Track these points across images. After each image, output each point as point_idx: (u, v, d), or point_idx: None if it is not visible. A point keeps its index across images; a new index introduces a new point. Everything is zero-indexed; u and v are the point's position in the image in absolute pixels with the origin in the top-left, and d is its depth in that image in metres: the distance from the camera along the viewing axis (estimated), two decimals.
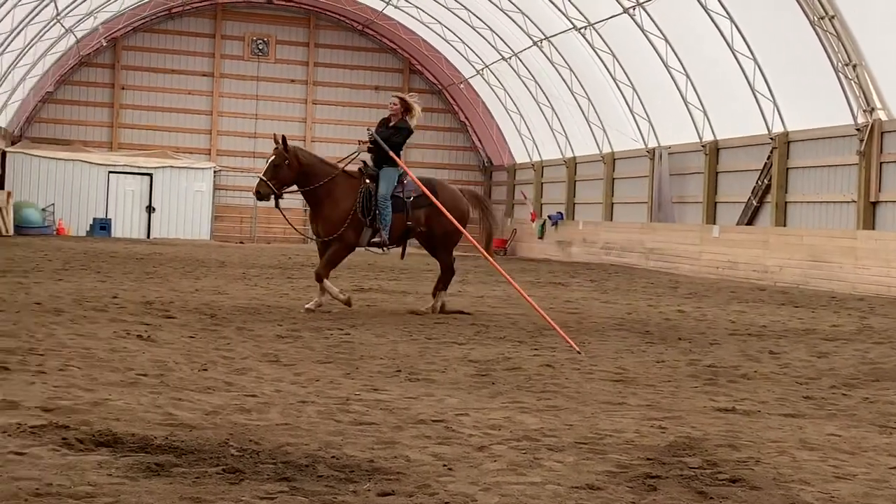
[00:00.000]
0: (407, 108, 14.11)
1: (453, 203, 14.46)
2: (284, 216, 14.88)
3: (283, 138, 13.92)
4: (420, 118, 14.24)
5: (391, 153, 13.87)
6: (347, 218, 13.75)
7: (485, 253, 14.52)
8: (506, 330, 12.33)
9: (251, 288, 17.18)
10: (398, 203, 14.00)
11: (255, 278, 19.66)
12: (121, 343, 9.56)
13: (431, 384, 8.20)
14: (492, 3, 35.85)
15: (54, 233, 39.54)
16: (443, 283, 14.58)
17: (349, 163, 14.40)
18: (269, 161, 13.79)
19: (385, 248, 14.34)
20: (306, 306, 13.65)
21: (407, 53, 45.98)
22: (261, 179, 13.72)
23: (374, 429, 6.25)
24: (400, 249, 14.84)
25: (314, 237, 14.27)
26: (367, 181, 13.92)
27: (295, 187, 13.95)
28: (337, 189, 13.83)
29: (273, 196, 13.72)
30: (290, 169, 13.73)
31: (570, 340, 10.87)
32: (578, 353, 10.35)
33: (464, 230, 14.29)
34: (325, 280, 13.74)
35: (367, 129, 14.16)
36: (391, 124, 14.10)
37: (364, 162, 14.23)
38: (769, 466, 5.62)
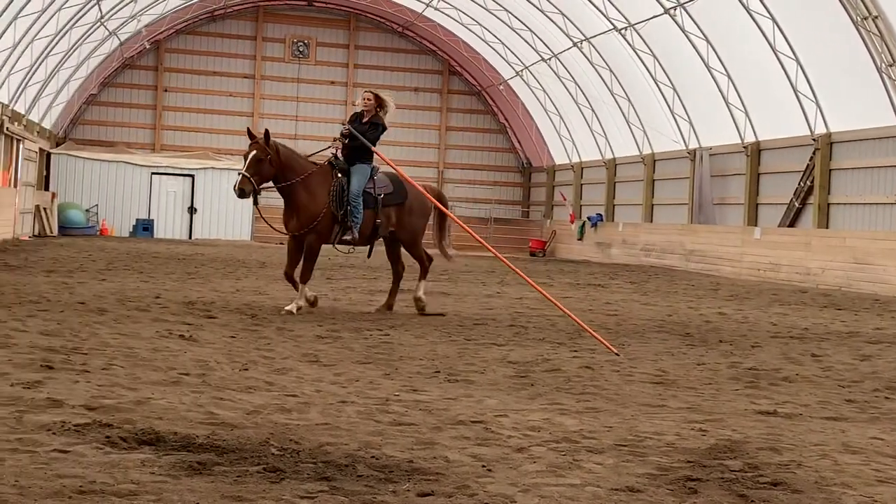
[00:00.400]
0: (380, 104, 13.56)
1: (420, 200, 14.13)
2: (261, 215, 14.39)
3: (266, 132, 13.38)
4: (393, 113, 13.67)
5: (374, 149, 13.45)
6: (321, 212, 13.31)
7: (444, 251, 14.63)
8: (545, 331, 12.31)
9: (291, 289, 17.24)
10: (368, 200, 13.56)
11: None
12: (163, 342, 9.64)
13: (470, 385, 8.20)
14: (532, 4, 35.80)
15: (98, 233, 39.91)
16: (423, 273, 14.50)
17: (318, 157, 13.99)
18: (251, 156, 13.15)
19: (352, 248, 13.93)
20: (286, 308, 13.18)
21: (446, 55, 46.03)
22: (243, 176, 13.05)
23: (413, 429, 6.26)
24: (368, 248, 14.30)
25: (285, 233, 13.74)
26: (339, 175, 13.45)
27: (270, 183, 13.40)
28: (313, 183, 13.36)
29: (253, 193, 13.12)
30: (271, 164, 13.17)
31: (595, 335, 10.83)
32: (617, 354, 10.30)
33: (470, 230, 14.27)
34: (304, 285, 13.35)
35: (343, 124, 13.66)
36: (365, 120, 13.55)
37: (335, 155, 13.66)
38: (811, 470, 5.58)
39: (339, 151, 13.56)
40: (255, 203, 13.49)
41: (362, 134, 13.37)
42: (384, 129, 13.65)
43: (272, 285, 17.81)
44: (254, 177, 13.04)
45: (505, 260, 13.75)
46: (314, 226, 13.34)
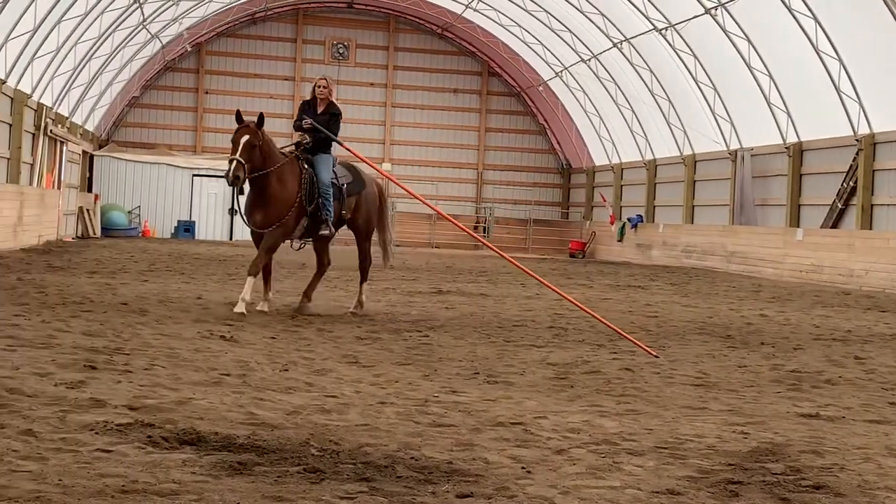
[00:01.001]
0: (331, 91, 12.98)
1: (373, 190, 13.86)
2: (240, 210, 13.33)
3: (261, 116, 12.55)
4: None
5: (339, 141, 12.98)
6: (293, 205, 12.67)
7: (387, 249, 14.16)
8: (584, 333, 12.27)
9: (330, 290, 17.32)
10: (334, 191, 13.03)
11: (334, 280, 19.80)
12: (204, 343, 9.70)
13: (510, 387, 8.19)
14: (571, 4, 35.72)
15: (140, 235, 40.25)
16: (363, 273, 13.88)
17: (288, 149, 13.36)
18: (245, 140, 12.23)
19: (303, 244, 13.39)
20: (258, 308, 12.72)
21: (486, 56, 46.03)
22: (238, 162, 12.12)
23: (452, 430, 6.26)
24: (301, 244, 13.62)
25: (251, 227, 12.96)
26: (307, 167, 12.88)
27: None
28: (286, 174, 12.68)
29: (241, 182, 12.33)
30: (260, 151, 12.41)
31: (623, 333, 10.78)
32: (656, 356, 10.26)
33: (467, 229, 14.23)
34: (253, 277, 12.59)
35: (302, 118, 12.89)
36: (321, 110, 12.93)
37: (298, 144, 13.08)
38: (854, 473, 5.52)
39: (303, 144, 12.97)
40: (242, 193, 12.76)
41: (324, 125, 12.80)
42: (341, 117, 13.17)
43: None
44: (246, 164, 12.23)
45: (512, 260, 13.70)
46: (284, 220, 12.72)
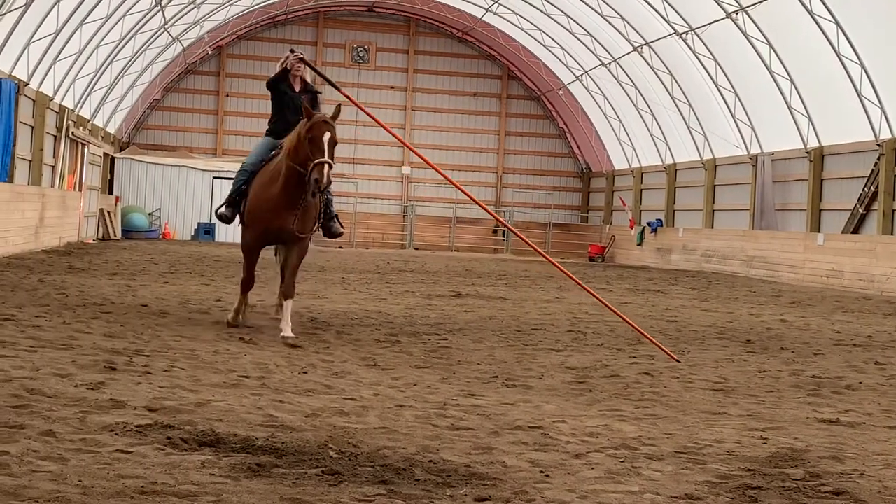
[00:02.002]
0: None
1: None
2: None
3: (338, 107, 10.86)
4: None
5: (366, 111, 11.88)
6: (321, 204, 11.28)
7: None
8: (603, 337, 12.25)
9: (350, 293, 17.34)
10: None
11: (353, 283, 19.83)
12: (224, 345, 9.73)
13: (528, 390, 8.19)
14: (592, 8, 35.68)
15: (160, 237, 40.41)
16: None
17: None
18: (329, 138, 10.36)
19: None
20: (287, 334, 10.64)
21: (506, 60, 46.02)
22: (330, 165, 10.27)
23: (471, 434, 6.26)
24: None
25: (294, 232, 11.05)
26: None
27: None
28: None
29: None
30: None
31: (649, 336, 10.76)
32: (677, 361, 10.23)
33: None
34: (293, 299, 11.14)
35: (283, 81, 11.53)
36: (300, 89, 11.50)
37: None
38: (874, 479, 5.50)
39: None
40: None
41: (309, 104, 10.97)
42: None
43: (331, 289, 17.91)
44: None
45: (560, 266, 13.57)
46: (317, 222, 11.38)
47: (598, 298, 11.98)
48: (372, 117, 12.23)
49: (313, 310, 13.83)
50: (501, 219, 12.31)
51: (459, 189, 12.71)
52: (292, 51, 11.96)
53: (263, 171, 11.20)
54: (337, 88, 12.23)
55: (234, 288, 17.03)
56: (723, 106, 33.12)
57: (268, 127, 11.66)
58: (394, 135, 13.12)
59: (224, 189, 41.96)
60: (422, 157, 12.51)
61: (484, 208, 12.52)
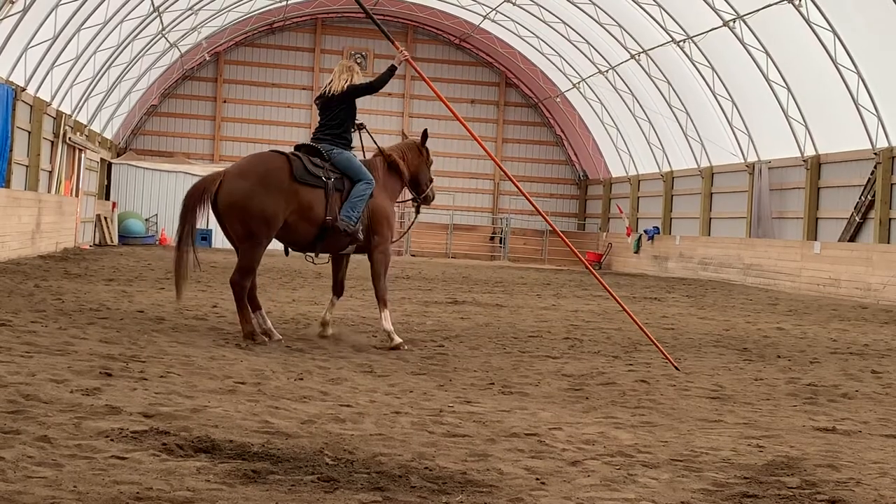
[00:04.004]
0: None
1: None
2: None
3: (425, 133, 12.44)
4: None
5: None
6: None
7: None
8: (600, 345, 12.25)
9: (346, 299, 17.33)
10: None
11: (350, 290, 19.82)
12: (220, 351, 9.72)
13: (525, 397, 8.19)
14: (589, 16, 35.73)
15: (157, 242, 40.40)
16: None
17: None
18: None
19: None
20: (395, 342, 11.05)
21: (503, 67, 46.08)
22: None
23: (466, 441, 6.26)
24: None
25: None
26: None
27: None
28: None
29: None
30: None
31: (660, 346, 10.76)
32: (677, 369, 10.23)
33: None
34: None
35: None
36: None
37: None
38: (870, 488, 5.50)
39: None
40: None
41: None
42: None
43: (328, 295, 17.88)
44: None
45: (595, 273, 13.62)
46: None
47: (625, 310, 11.97)
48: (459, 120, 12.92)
49: (310, 316, 13.82)
50: (555, 226, 12.55)
51: (546, 220, 12.98)
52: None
53: (382, 185, 11.67)
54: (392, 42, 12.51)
55: (229, 294, 16.97)
56: (720, 114, 33.17)
57: (346, 137, 11.50)
58: (483, 147, 13.40)
59: None
60: (512, 181, 12.89)
61: (547, 220, 12.88)
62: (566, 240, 12.14)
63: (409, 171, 11.95)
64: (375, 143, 11.83)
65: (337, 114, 11.39)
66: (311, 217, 10.91)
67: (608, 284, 11.79)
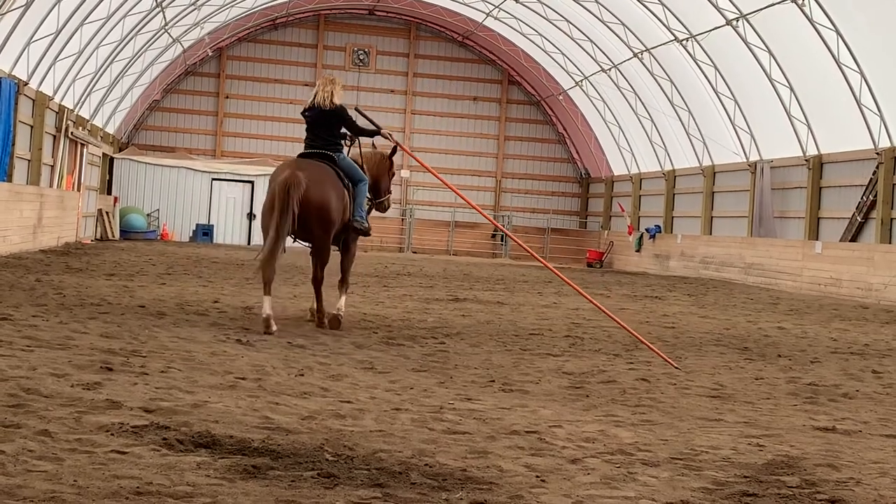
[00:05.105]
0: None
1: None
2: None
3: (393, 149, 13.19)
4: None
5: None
6: None
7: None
8: (601, 343, 12.25)
9: (348, 296, 17.32)
10: None
11: (351, 286, 19.81)
12: (221, 347, 9.73)
13: (525, 395, 8.18)
14: (592, 14, 35.71)
15: (158, 238, 40.40)
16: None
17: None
18: None
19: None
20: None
21: (506, 64, 46.06)
22: None
23: (467, 438, 6.26)
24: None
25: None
26: None
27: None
28: None
29: None
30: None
31: (650, 345, 10.76)
32: (677, 368, 10.23)
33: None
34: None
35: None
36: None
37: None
38: (870, 488, 5.49)
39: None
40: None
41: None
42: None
43: (329, 291, 17.88)
44: None
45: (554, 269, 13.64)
46: None
47: (596, 304, 11.99)
48: (404, 149, 13.36)
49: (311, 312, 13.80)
50: (500, 224, 13.08)
51: (465, 200, 13.44)
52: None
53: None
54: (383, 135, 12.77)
55: (231, 290, 17.03)
56: (722, 113, 33.16)
57: (340, 144, 12.41)
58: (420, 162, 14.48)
59: (223, 190, 42.02)
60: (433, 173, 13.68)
61: (483, 214, 13.28)
62: (512, 236, 12.29)
63: (371, 174, 12.91)
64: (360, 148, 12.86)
65: (330, 125, 12.24)
66: (345, 217, 12.13)
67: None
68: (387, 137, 12.59)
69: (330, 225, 11.89)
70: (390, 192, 13.62)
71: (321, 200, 11.71)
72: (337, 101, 12.08)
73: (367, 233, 12.45)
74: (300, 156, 12.30)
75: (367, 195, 12.61)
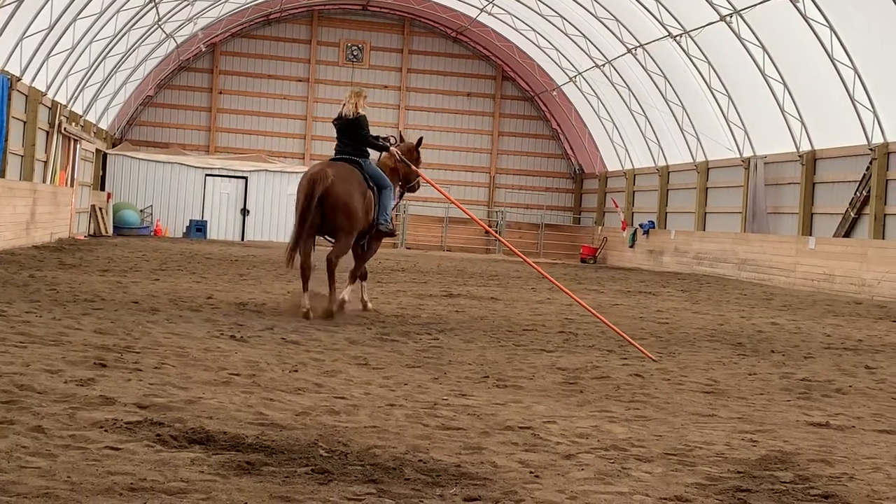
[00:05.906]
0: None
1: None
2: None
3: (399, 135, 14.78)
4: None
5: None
6: None
7: None
8: (595, 338, 12.26)
9: (341, 291, 17.30)
10: None
11: (345, 282, 19.78)
12: (214, 343, 9.72)
13: (519, 391, 8.19)
14: (586, 10, 35.70)
15: (152, 233, 40.35)
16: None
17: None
18: None
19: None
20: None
21: (500, 60, 46.04)
22: None
23: (461, 434, 6.26)
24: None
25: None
26: None
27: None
28: None
29: None
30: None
31: (624, 335, 10.78)
32: (654, 360, 10.28)
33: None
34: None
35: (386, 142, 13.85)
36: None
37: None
38: (863, 483, 5.51)
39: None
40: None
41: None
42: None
43: (322, 287, 17.86)
44: None
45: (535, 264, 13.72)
46: None
47: (574, 298, 12.01)
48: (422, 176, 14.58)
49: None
50: (491, 229, 14.09)
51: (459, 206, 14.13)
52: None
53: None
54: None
55: (224, 286, 17.01)
56: (716, 109, 33.18)
57: (367, 152, 13.50)
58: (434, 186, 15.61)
59: (216, 186, 41.96)
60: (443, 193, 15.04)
61: (477, 221, 14.03)
62: (500, 238, 12.50)
63: (402, 173, 14.24)
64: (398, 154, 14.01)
65: (357, 134, 13.28)
66: (369, 217, 13.15)
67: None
68: (393, 155, 13.84)
69: (353, 218, 12.80)
70: (419, 176, 14.53)
71: (345, 193, 12.67)
72: (360, 111, 13.19)
73: (392, 233, 13.65)
74: (330, 160, 13.39)
75: (399, 183, 14.04)
